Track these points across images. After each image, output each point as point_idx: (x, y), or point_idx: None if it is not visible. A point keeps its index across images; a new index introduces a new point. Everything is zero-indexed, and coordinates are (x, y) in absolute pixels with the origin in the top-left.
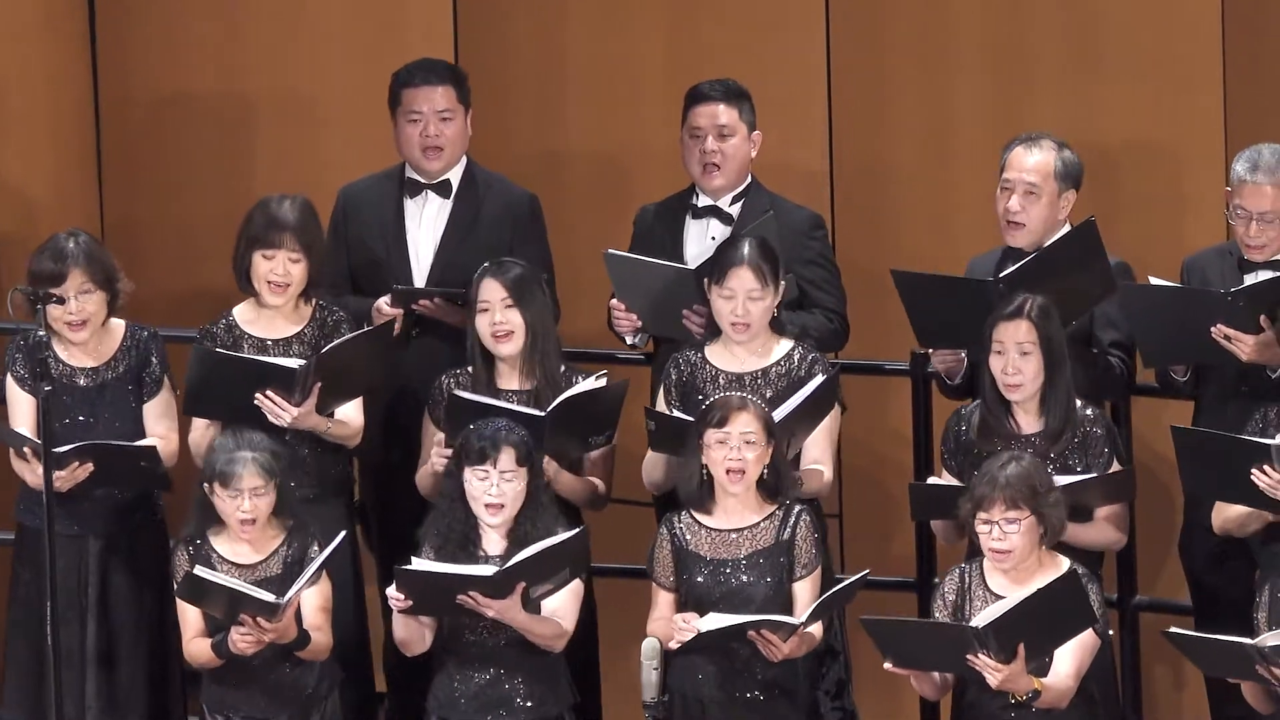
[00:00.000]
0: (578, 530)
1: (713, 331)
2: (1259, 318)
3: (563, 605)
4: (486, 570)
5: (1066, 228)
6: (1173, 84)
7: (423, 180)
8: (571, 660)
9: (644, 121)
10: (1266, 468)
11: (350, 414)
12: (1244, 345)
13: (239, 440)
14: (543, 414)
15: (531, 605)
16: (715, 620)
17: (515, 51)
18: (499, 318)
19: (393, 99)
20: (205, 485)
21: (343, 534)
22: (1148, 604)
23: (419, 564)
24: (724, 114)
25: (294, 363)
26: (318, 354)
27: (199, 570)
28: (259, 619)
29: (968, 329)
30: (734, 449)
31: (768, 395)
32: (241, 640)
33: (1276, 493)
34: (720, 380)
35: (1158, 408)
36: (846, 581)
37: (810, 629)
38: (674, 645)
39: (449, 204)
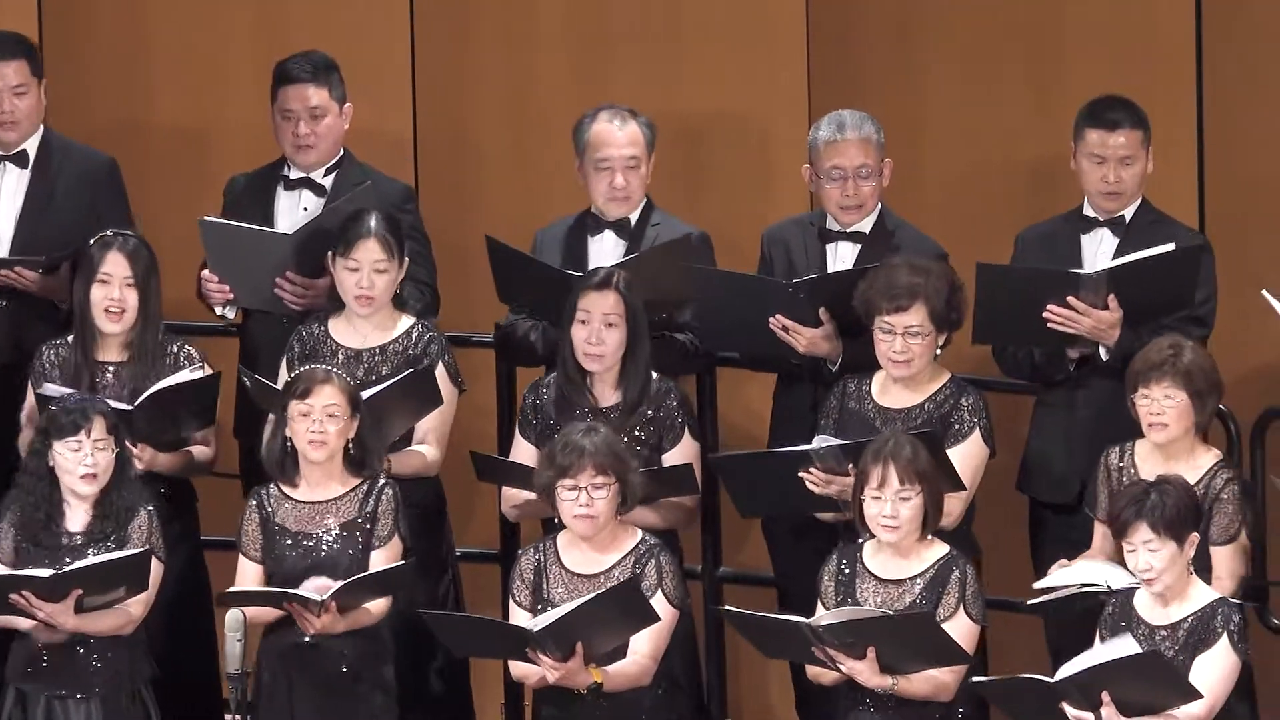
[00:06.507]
0: (139, 551)
1: (335, 304)
2: (819, 310)
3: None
4: (44, 572)
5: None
6: (756, 55)
7: None
8: (188, 632)
9: (229, 91)
10: (814, 470)
11: None
12: (800, 337)
13: None
14: (131, 408)
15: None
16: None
17: (99, 19)
18: (117, 294)
19: None
20: None
21: None
22: (732, 575)
23: None
24: (314, 95)
25: None
26: None
27: None
28: None
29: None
30: (316, 422)
31: (383, 372)
32: None
33: (829, 489)
34: (340, 355)
35: (743, 380)
36: (373, 571)
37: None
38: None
39: (27, 174)
